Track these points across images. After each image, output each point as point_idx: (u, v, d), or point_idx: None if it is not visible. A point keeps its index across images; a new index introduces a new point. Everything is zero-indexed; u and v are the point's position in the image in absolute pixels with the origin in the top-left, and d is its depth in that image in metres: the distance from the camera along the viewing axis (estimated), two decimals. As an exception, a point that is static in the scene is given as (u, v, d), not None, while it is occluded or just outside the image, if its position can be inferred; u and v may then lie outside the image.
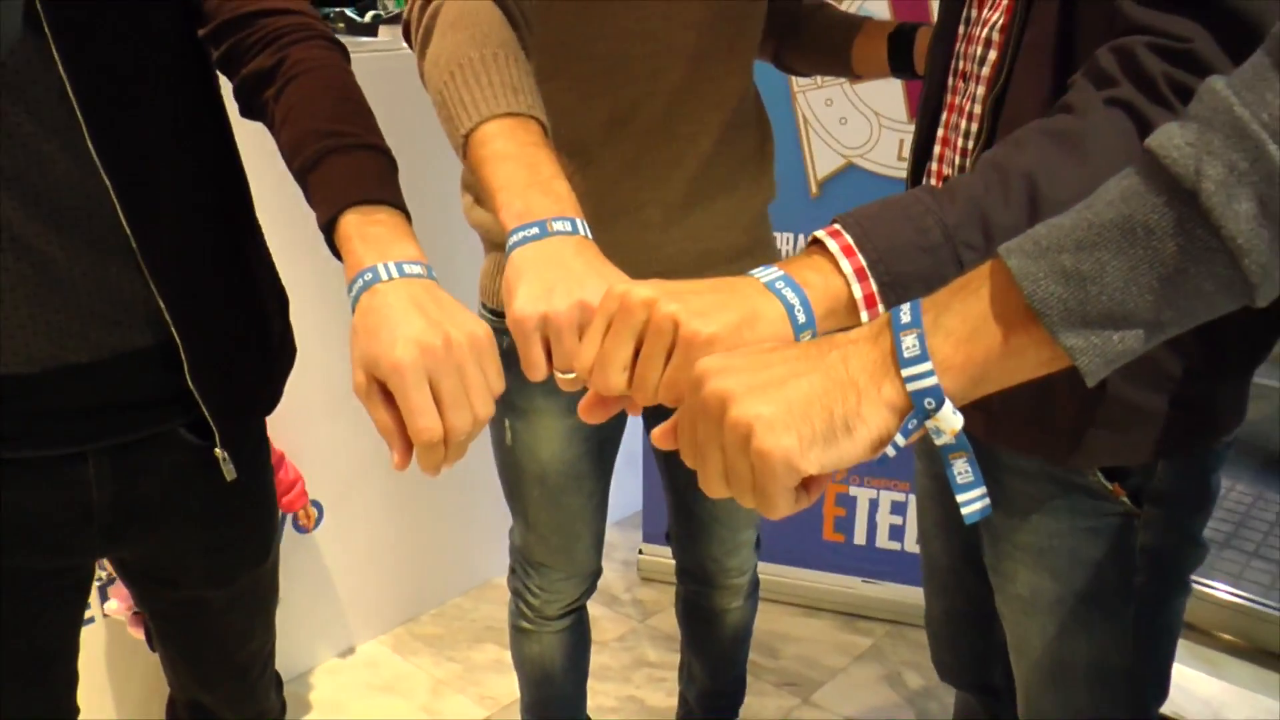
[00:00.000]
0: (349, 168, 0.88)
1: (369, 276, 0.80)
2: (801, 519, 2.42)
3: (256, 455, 1.21)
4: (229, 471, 1.12)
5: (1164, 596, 1.10)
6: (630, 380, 0.72)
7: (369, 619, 2.45)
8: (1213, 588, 2.05)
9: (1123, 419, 1.01)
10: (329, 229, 0.86)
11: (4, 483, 1.04)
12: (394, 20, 2.45)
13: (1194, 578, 1.17)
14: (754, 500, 0.62)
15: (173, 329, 1.05)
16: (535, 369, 0.77)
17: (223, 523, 1.19)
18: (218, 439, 1.11)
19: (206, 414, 1.09)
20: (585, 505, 1.50)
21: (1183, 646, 1.33)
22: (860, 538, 2.45)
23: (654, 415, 1.53)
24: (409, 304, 0.78)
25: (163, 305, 1.04)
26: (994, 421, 1.06)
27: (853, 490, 2.43)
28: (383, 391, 0.76)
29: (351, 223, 0.84)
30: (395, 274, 0.80)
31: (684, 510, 1.61)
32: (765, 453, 0.60)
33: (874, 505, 2.43)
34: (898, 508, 2.42)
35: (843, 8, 2.12)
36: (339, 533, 2.30)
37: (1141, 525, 1.06)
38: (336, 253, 0.86)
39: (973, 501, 0.63)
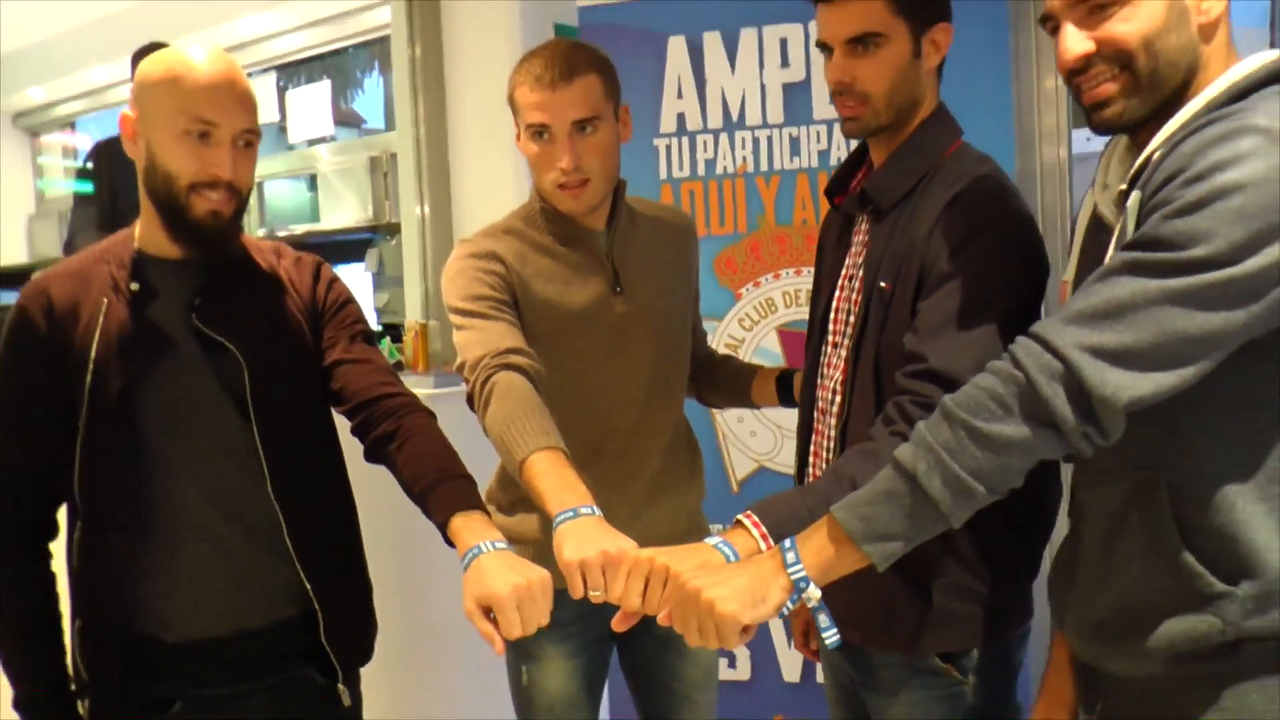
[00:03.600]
0: (454, 490, 1.45)
1: (475, 550, 1.36)
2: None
3: (356, 690, 1.69)
4: (346, 699, 1.62)
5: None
6: (643, 601, 1.28)
7: None
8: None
9: (946, 621, 1.55)
10: (444, 526, 1.41)
11: (199, 711, 1.53)
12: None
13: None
14: (717, 642, 1.18)
15: (316, 604, 1.57)
16: (577, 590, 1.33)
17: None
18: (340, 678, 1.60)
19: (335, 662, 1.59)
20: (583, 729, 1.98)
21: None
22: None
23: (630, 652, 2.03)
24: (503, 564, 1.34)
25: (309, 588, 1.57)
26: (864, 632, 1.60)
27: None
28: (485, 612, 1.30)
29: (460, 521, 1.41)
30: (491, 548, 1.36)
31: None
32: (722, 615, 1.17)
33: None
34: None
35: (743, 348, 2.82)
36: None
37: (971, 692, 1.59)
38: (447, 539, 1.42)
39: (831, 636, 1.21)
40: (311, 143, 5.63)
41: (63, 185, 7.37)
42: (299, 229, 5.32)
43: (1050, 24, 1.27)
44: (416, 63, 3.50)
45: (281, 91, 5.69)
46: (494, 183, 3.38)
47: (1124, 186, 1.23)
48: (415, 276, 3.54)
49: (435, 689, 2.87)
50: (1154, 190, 1.14)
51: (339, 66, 6.14)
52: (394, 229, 4.64)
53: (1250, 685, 1.16)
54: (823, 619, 1.24)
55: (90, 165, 3.53)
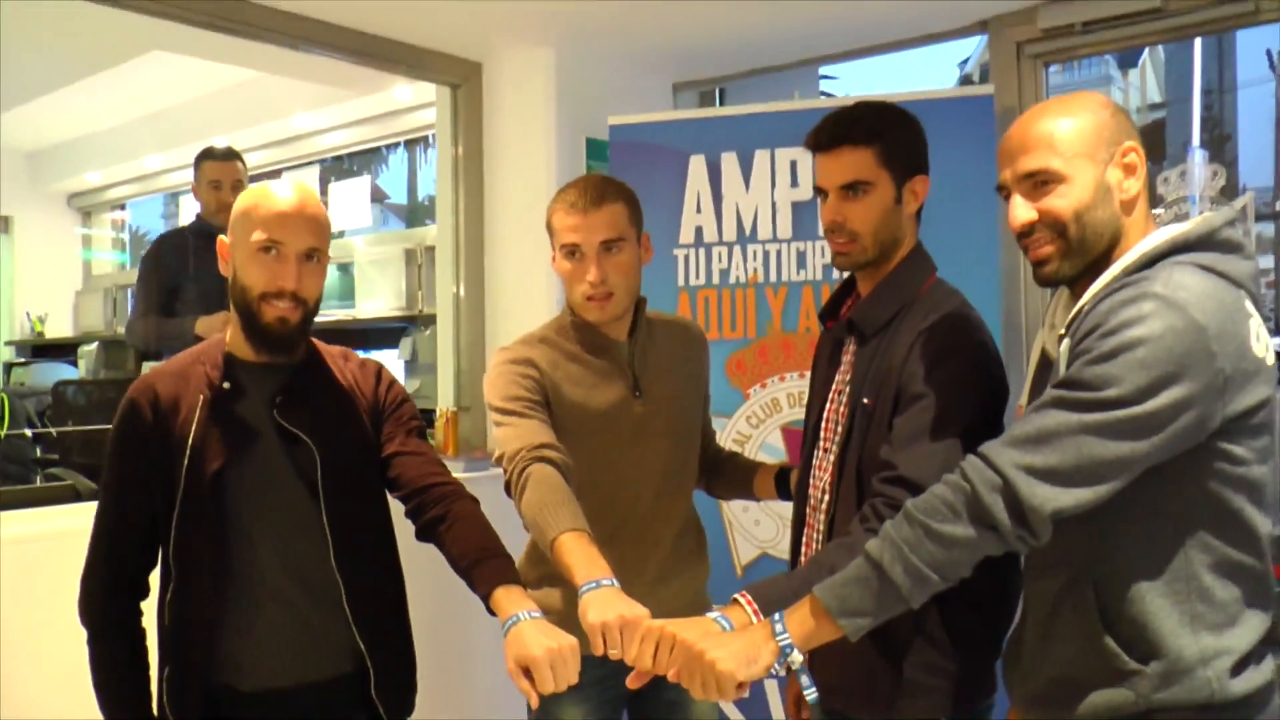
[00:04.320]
0: (496, 566, 1.70)
1: (515, 619, 1.60)
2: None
3: (401, 741, 1.93)
4: None
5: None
6: (653, 661, 1.52)
7: None
8: None
9: (917, 692, 1.78)
10: (486, 597, 1.66)
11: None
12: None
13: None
14: (718, 695, 1.43)
15: (369, 661, 1.81)
16: (598, 649, 1.57)
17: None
18: None
19: (383, 712, 1.82)
20: (603, 780, 2.19)
21: None
22: None
23: (641, 713, 2.25)
24: (538, 631, 1.57)
25: (363, 647, 1.81)
26: (848, 699, 1.83)
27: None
28: (523, 672, 1.54)
29: (501, 593, 1.65)
30: (528, 617, 1.60)
31: None
32: (721, 673, 1.42)
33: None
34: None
35: (750, 444, 3.06)
36: None
37: (938, 758, 1.81)
38: (489, 608, 1.66)
39: (811, 694, 1.47)
40: (342, 233, 5.95)
41: (109, 256, 7.74)
42: (335, 314, 5.60)
43: (1004, 192, 1.55)
44: (459, 162, 3.79)
45: (324, 183, 6.05)
46: (527, 279, 3.64)
47: (1061, 332, 1.49)
48: (448, 365, 3.79)
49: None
50: (1080, 339, 1.41)
51: (374, 152, 6.49)
52: (427, 319, 4.91)
53: None
54: (804, 679, 1.50)
55: (145, 258, 3.80)
